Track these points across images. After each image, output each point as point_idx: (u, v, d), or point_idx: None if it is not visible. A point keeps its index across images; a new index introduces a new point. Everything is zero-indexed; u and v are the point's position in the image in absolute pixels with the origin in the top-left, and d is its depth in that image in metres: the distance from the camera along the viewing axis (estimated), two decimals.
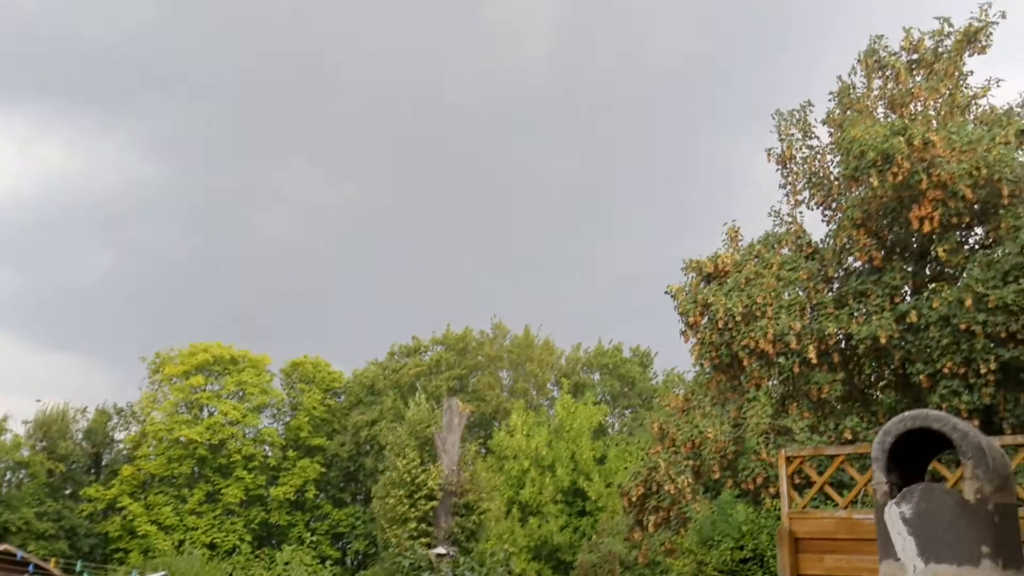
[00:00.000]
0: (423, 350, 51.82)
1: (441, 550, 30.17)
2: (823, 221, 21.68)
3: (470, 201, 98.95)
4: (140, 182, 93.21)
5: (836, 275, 20.77)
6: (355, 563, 47.61)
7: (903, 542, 6.21)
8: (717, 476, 19.56)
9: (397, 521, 31.86)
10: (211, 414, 46.69)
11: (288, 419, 50.02)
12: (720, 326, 19.20)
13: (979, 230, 19.25)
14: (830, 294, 20.18)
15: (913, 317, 17.81)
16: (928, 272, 19.47)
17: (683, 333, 20.22)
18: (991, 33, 20.21)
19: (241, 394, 47.71)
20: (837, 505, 10.87)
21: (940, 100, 20.43)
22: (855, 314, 18.85)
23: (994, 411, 16.95)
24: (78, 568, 35.51)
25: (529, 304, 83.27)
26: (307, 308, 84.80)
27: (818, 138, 21.97)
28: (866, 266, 19.73)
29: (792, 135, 21.93)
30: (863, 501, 13.90)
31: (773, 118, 22.11)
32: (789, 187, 22.07)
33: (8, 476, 43.09)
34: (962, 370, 17.00)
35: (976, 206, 18.33)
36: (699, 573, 16.56)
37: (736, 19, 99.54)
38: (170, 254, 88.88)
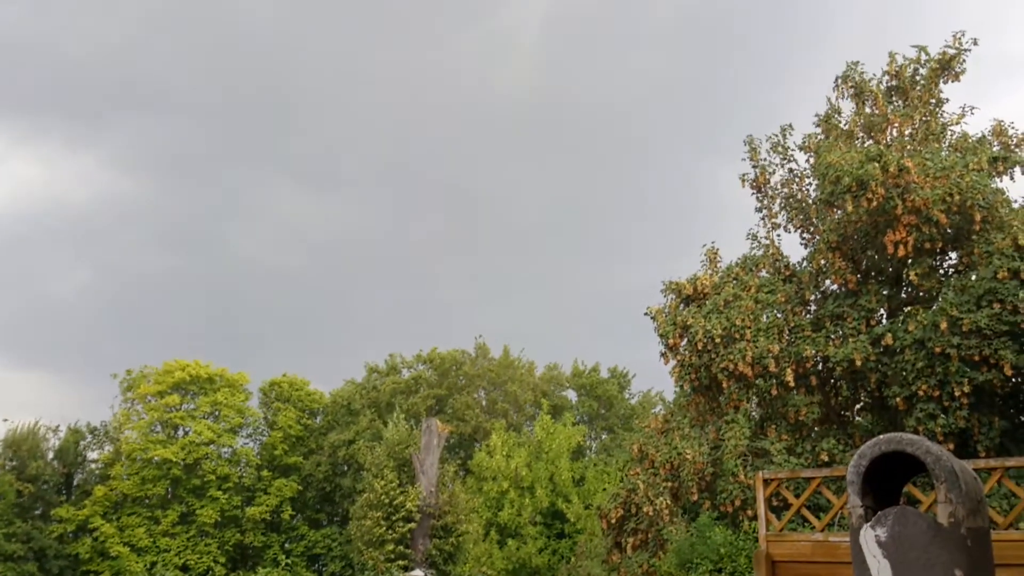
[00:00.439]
0: (400, 368, 51.63)
1: (419, 573, 29.84)
2: (801, 244, 21.97)
3: (447, 220, 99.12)
4: (116, 198, 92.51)
5: (813, 298, 20.99)
6: None
7: (878, 565, 6.24)
8: (695, 498, 19.57)
9: (374, 543, 31.50)
10: (186, 434, 46.09)
11: (264, 438, 49.49)
12: (699, 348, 19.31)
13: (953, 255, 19.55)
14: (807, 316, 20.37)
15: (889, 340, 18.00)
16: (904, 296, 19.72)
17: (663, 355, 20.31)
18: (964, 60, 20.66)
19: (216, 414, 47.17)
20: (814, 528, 10.90)
21: (915, 127, 20.80)
22: (832, 337, 19.04)
23: (969, 434, 17.13)
24: None
25: (505, 323, 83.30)
26: (285, 326, 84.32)
27: (796, 161, 22.29)
28: (842, 289, 19.97)
29: (764, 160, 22.23)
30: (840, 524, 13.96)
31: (745, 144, 22.42)
32: (765, 211, 22.34)
33: None
34: (937, 393, 17.19)
35: (949, 231, 18.63)
36: None
37: (712, 42, 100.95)
38: (146, 271, 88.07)
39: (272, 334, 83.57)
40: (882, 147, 19.04)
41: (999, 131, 20.34)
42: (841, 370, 19.06)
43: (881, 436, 6.92)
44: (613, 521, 20.93)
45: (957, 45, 20.56)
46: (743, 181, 22.37)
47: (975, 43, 20.59)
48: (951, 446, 16.52)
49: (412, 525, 31.80)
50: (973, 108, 20.96)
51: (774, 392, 18.98)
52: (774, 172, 22.25)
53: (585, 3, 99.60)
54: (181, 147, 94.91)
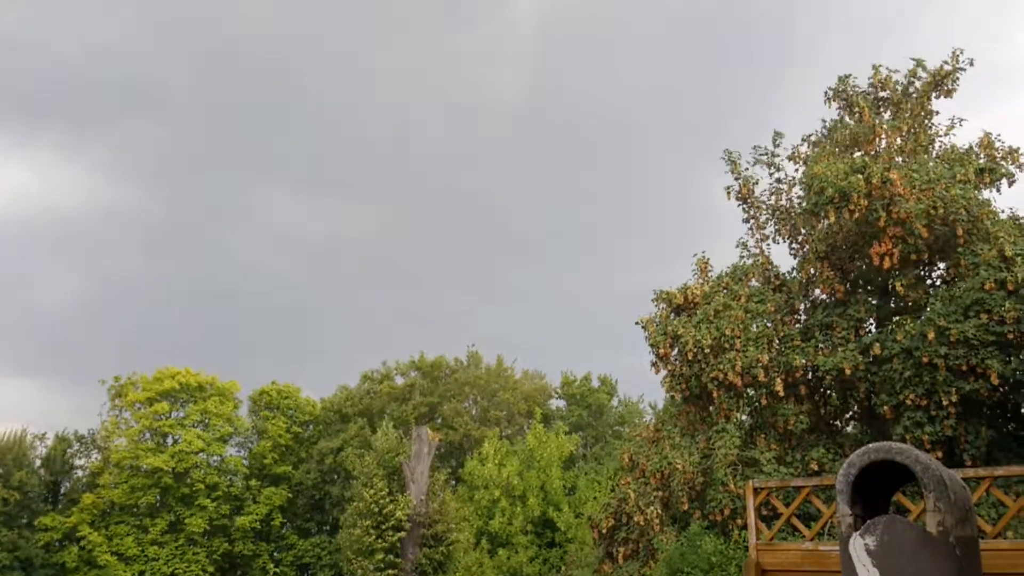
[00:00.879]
0: (394, 375, 51.46)
1: None
2: (791, 254, 22.10)
3: (445, 226, 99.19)
4: (107, 204, 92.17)
5: (802, 307, 21.12)
6: None
7: (867, 573, 6.30)
8: (686, 507, 19.61)
9: (364, 552, 31.38)
10: (175, 442, 45.82)
11: (252, 446, 49.24)
12: (690, 358, 19.38)
13: (941, 265, 19.72)
14: (797, 326, 20.49)
15: (877, 349, 18.14)
16: (892, 306, 19.87)
17: (653, 365, 20.37)
18: (959, 78, 20.80)
19: (206, 422, 46.93)
20: (804, 537, 10.96)
21: (903, 138, 20.98)
22: (821, 346, 19.16)
23: (956, 443, 17.26)
24: None
25: (502, 330, 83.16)
26: (280, 332, 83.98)
27: (784, 171, 22.45)
28: (831, 299, 20.11)
29: (746, 171, 22.39)
30: (829, 533, 14.04)
31: (724, 158, 22.55)
32: (752, 221, 22.48)
33: None
34: (924, 402, 17.32)
35: (934, 243, 18.80)
36: None
37: (710, 48, 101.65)
38: (137, 277, 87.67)
39: (267, 341, 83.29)
40: (867, 159, 19.21)
41: (987, 143, 20.53)
42: (830, 379, 19.19)
43: (870, 445, 6.99)
44: (604, 531, 20.94)
45: (955, 63, 20.71)
46: (728, 193, 22.54)
47: (971, 63, 20.73)
48: (938, 455, 16.64)
49: (402, 534, 31.71)
50: (962, 120, 21.14)
51: (764, 401, 19.07)
52: (757, 183, 22.43)
53: (582, 8, 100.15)
54: (174, 152, 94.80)
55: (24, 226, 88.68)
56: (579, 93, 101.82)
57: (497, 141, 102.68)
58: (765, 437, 19.44)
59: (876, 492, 7.06)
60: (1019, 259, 17.17)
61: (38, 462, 45.99)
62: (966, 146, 20.87)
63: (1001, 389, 17.14)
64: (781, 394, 18.86)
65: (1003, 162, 20.07)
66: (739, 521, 18.18)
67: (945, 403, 16.91)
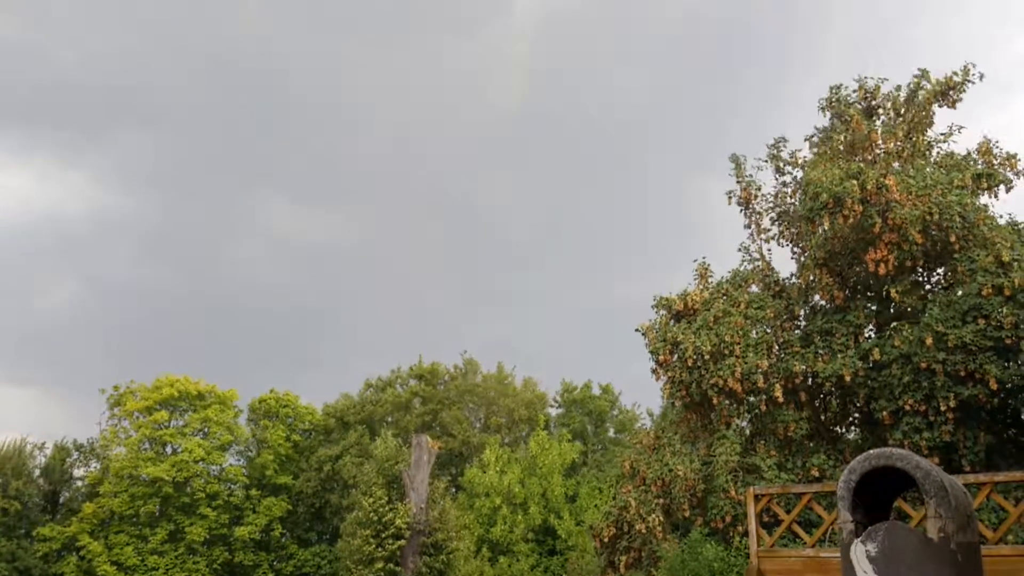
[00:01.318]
0: (397, 383, 51.35)
1: None
2: (792, 258, 22.15)
3: (444, 234, 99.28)
4: (107, 212, 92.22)
5: (802, 313, 21.17)
6: None
7: None
8: (687, 514, 19.59)
9: (363, 561, 31.29)
10: (175, 451, 45.73)
11: (252, 455, 49.13)
12: (689, 364, 19.41)
13: (939, 271, 19.77)
14: (796, 332, 20.53)
15: (876, 355, 18.17)
16: (891, 311, 19.91)
17: (654, 371, 20.40)
18: (966, 90, 20.87)
19: (206, 431, 46.84)
20: (805, 544, 10.97)
21: (899, 144, 21.04)
22: (820, 352, 19.19)
23: (954, 448, 17.28)
24: None
25: (503, 338, 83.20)
26: (280, 340, 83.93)
27: (789, 174, 22.52)
28: (830, 305, 20.15)
29: (749, 176, 22.46)
30: (831, 539, 14.04)
31: (731, 162, 22.66)
32: (754, 226, 22.54)
33: None
34: (923, 408, 17.34)
35: (930, 249, 18.85)
36: None
37: (706, 55, 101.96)
38: (136, 286, 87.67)
39: (265, 349, 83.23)
40: (862, 165, 19.28)
41: (985, 149, 20.59)
42: (830, 385, 19.22)
43: (871, 451, 7.02)
44: (606, 540, 20.89)
45: (964, 75, 20.78)
46: (729, 198, 22.61)
47: (981, 78, 20.78)
48: (936, 460, 16.66)
49: (402, 542, 31.63)
50: (961, 127, 21.20)
51: (763, 408, 19.10)
52: (760, 188, 22.50)
53: (580, 14, 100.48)
54: (173, 160, 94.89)
55: (24, 234, 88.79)
56: (577, 98, 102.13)
57: (496, 147, 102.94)
58: (765, 443, 19.45)
59: (877, 498, 7.09)
60: (1016, 264, 17.24)
61: (37, 472, 45.89)
62: (964, 151, 20.95)
63: (999, 394, 17.17)
64: (781, 400, 18.89)
65: (1001, 168, 20.14)
66: (740, 528, 18.18)
67: (944, 408, 16.94)
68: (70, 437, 48.13)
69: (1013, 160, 20.13)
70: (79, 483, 47.08)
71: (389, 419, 46.73)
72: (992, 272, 17.27)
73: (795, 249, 22.07)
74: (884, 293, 19.60)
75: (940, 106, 21.20)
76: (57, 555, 43.70)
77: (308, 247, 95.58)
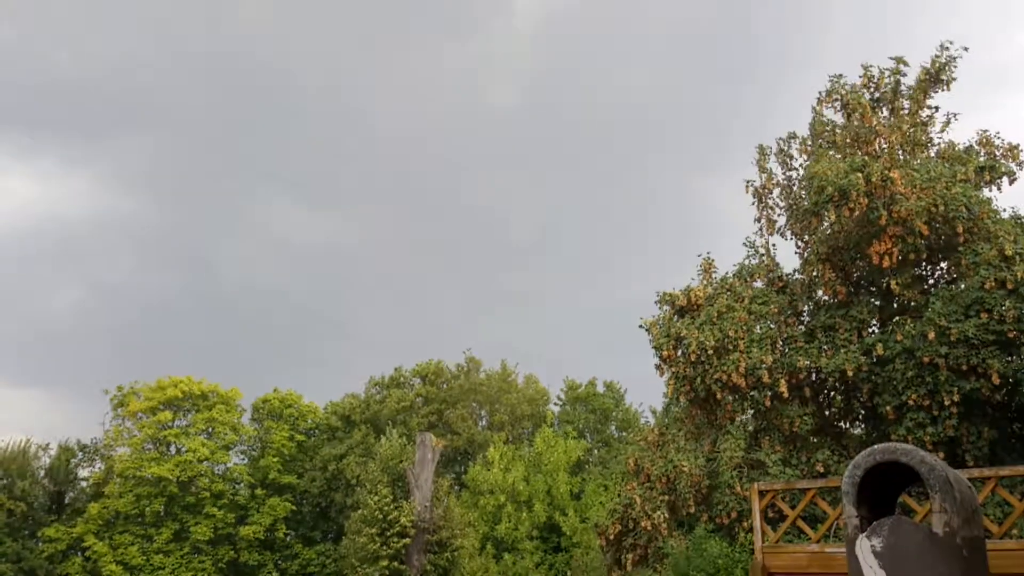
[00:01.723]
0: (403, 382, 51.34)
1: None
2: (796, 253, 22.10)
3: (445, 234, 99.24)
4: (108, 214, 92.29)
5: (805, 309, 21.12)
6: None
7: (874, 575, 6.31)
8: (692, 510, 19.58)
9: (368, 559, 31.32)
10: (179, 451, 45.79)
11: (256, 454, 49.17)
12: (693, 359, 19.37)
13: (942, 264, 19.72)
14: (800, 327, 20.49)
15: (879, 350, 18.12)
16: (895, 306, 19.86)
17: (658, 367, 20.37)
18: (955, 68, 20.78)
19: (210, 431, 46.88)
20: (810, 539, 10.96)
21: (902, 136, 20.97)
22: (824, 347, 19.15)
23: (958, 443, 17.24)
24: None
25: (505, 337, 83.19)
26: (282, 342, 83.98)
27: (797, 169, 22.47)
28: (833, 300, 20.11)
29: (770, 169, 22.41)
30: (836, 535, 14.02)
31: (756, 151, 22.60)
32: (764, 219, 22.47)
33: None
34: (926, 402, 17.30)
35: (935, 242, 18.81)
36: None
37: (705, 55, 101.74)
38: (139, 288, 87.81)
39: (267, 350, 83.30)
40: (867, 158, 19.22)
41: (986, 141, 20.54)
42: (833, 381, 19.18)
43: (875, 446, 7.00)
44: (612, 537, 20.86)
45: (946, 54, 20.73)
46: (748, 186, 22.52)
47: (965, 50, 20.73)
48: (941, 455, 16.62)
49: (407, 540, 31.65)
50: (956, 115, 21.10)
51: (768, 403, 19.06)
52: (778, 183, 22.48)
53: (580, 13, 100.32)
54: (175, 163, 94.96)
55: (26, 236, 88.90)
56: (577, 99, 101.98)
57: (497, 147, 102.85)
58: (770, 439, 19.42)
59: (882, 493, 7.07)
60: (1019, 258, 17.18)
61: (42, 472, 45.96)
62: (966, 144, 20.89)
63: (1003, 388, 17.13)
64: (785, 395, 18.86)
65: (1003, 160, 20.08)
66: (745, 524, 18.17)
67: (947, 403, 16.89)
68: (74, 438, 48.18)
69: (1015, 151, 20.08)
70: (84, 484, 47.14)
71: (397, 418, 46.73)
72: (995, 265, 17.22)
73: (799, 244, 22.02)
74: (886, 287, 19.57)
75: (936, 91, 21.11)
76: (62, 556, 43.77)
77: (309, 247, 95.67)
